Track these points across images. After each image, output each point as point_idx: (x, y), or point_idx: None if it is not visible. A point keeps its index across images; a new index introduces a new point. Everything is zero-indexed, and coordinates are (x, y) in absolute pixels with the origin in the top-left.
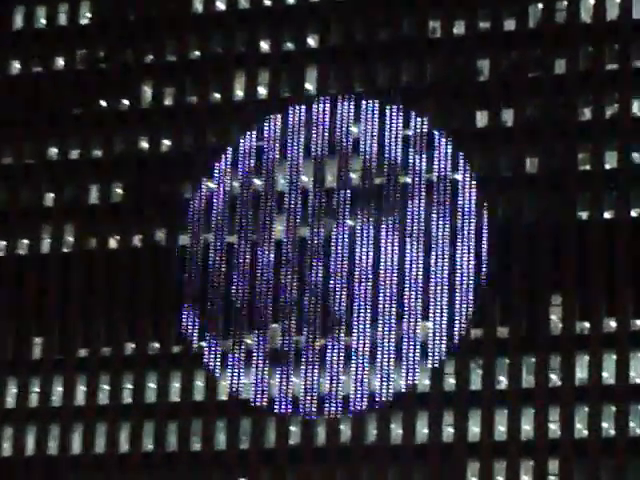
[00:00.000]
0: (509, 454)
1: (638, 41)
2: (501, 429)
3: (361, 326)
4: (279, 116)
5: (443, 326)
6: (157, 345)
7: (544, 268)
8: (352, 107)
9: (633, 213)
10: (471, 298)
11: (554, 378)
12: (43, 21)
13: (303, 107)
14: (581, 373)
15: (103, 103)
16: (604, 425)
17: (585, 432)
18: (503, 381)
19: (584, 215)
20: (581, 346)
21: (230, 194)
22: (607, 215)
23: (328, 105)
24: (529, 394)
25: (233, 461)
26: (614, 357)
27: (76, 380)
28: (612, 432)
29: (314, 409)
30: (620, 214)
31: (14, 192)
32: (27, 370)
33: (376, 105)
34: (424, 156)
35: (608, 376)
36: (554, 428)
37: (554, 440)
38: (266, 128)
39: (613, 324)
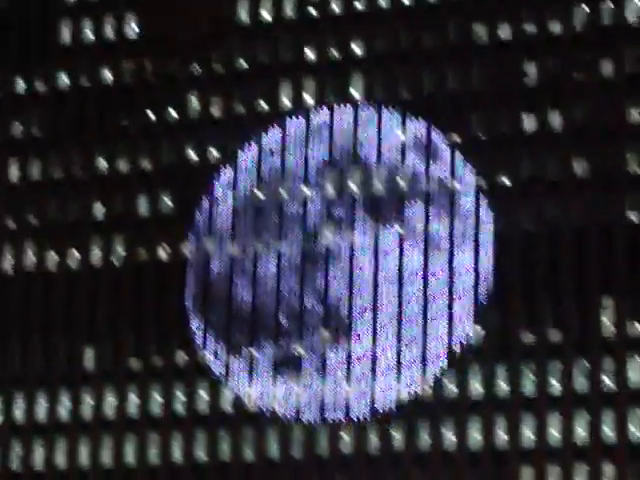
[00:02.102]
0: (562, 458)
1: None
2: (554, 433)
3: (365, 333)
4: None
5: (491, 331)
6: (208, 356)
7: (594, 270)
8: (398, 114)
9: None
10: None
11: (607, 381)
12: (90, 34)
13: (349, 110)
14: (634, 376)
15: (150, 114)
16: None
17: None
18: (555, 385)
19: (633, 216)
20: (633, 348)
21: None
22: None
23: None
24: (582, 398)
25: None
26: None
27: (127, 390)
28: None
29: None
30: None
31: (64, 205)
32: (79, 381)
33: (422, 112)
34: (467, 163)
35: None
36: (608, 431)
37: (608, 444)
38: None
39: None
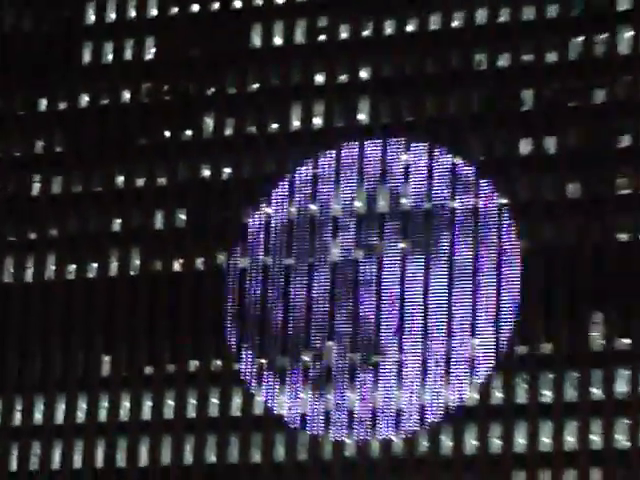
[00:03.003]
0: (553, 464)
1: None
2: (546, 440)
3: (411, 344)
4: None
5: (489, 343)
6: (219, 363)
7: (586, 287)
8: (401, 139)
9: None
10: (514, 317)
11: (596, 392)
12: (110, 56)
13: (355, 138)
14: (621, 387)
15: (167, 134)
16: None
17: (627, 443)
18: (547, 395)
19: (623, 236)
20: (620, 361)
21: (287, 219)
22: None
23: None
24: (572, 407)
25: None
26: None
27: (142, 396)
28: None
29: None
30: None
31: (84, 218)
32: (97, 386)
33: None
34: (475, 185)
35: None
36: (596, 439)
37: (596, 451)
38: (322, 157)
39: None
